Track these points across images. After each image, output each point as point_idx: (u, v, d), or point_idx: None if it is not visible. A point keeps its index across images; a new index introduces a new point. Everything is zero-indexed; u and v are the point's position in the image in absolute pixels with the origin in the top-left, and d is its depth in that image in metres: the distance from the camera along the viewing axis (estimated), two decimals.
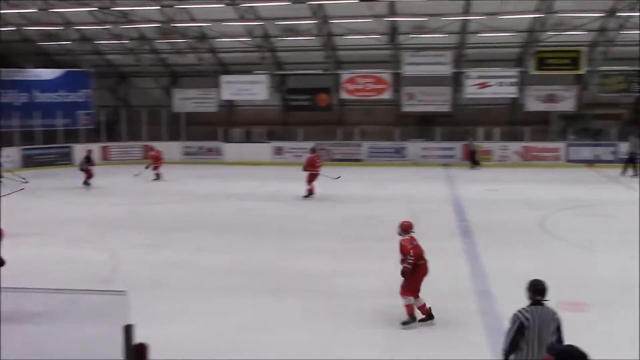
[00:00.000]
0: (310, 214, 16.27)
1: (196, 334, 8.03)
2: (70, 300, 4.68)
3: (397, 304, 8.41)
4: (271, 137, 29.10)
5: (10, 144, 25.54)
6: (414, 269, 8.43)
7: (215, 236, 13.78)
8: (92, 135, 28.61)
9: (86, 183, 20.92)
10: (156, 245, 12.79)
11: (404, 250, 8.49)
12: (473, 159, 26.18)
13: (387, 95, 28.21)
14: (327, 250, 12.28)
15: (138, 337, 4.65)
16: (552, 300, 8.93)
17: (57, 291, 5.41)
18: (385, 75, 28.03)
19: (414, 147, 27.36)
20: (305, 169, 18.53)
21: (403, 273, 8.47)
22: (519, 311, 5.51)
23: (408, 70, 26.92)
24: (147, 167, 23.07)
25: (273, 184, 21.39)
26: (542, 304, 5.57)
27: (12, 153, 25.00)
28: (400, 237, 8.69)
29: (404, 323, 8.40)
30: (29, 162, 26.00)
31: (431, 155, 27.25)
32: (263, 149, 28.39)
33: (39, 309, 7.25)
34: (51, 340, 5.91)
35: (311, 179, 18.46)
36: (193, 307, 9.11)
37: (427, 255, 8.48)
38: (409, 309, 8.46)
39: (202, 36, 27.18)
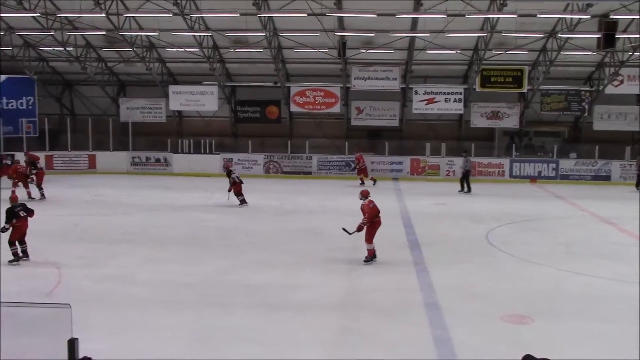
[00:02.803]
0: (258, 226, 16.17)
1: (141, 348, 7.86)
2: (11, 313, 4.52)
3: (345, 316, 8.40)
4: (220, 148, 28.86)
5: None
6: (372, 224, 11.90)
7: (162, 249, 13.52)
8: (36, 144, 27.78)
9: (241, 199, 19.57)
10: (100, 258, 12.50)
11: (363, 211, 11.91)
12: (467, 182, 23.01)
13: (336, 109, 28.43)
14: (275, 263, 12.26)
15: (82, 352, 4.53)
16: (497, 312, 9.24)
17: None
18: (335, 89, 28.26)
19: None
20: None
21: (360, 228, 11.90)
22: None
23: (357, 84, 27.24)
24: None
25: (222, 195, 21.21)
26: None
27: None
28: (361, 202, 12.07)
29: (366, 261, 11.91)
30: None
31: (380, 169, 27.49)
32: (212, 160, 28.12)
33: None
34: None
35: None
36: (138, 321, 8.93)
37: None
38: (370, 252, 11.97)
39: (151, 45, 26.85)
